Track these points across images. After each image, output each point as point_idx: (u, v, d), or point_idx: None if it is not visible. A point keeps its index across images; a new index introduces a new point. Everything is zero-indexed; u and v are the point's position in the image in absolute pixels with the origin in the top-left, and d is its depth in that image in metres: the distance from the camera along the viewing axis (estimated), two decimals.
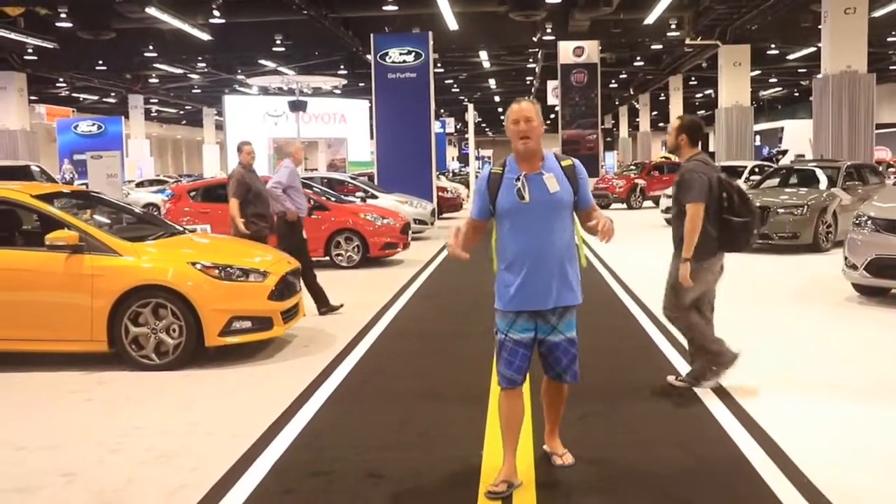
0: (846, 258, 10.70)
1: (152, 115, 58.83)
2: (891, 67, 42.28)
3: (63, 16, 24.38)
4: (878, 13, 23.89)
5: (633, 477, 5.04)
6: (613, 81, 48.92)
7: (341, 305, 10.55)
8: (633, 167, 37.73)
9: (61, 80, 39.24)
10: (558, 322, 4.75)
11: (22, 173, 22.55)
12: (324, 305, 10.43)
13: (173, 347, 7.88)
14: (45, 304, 7.92)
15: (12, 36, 26.37)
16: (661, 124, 62.15)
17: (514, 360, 4.68)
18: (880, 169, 19.32)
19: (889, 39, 32.84)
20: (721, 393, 6.65)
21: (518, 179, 4.62)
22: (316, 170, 37.49)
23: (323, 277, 10.81)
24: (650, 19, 26.27)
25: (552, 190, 4.63)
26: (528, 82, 47.72)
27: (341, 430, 6.12)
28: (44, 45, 28.53)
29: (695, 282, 6.52)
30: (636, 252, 15.94)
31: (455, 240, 4.70)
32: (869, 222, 10.43)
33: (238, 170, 10.48)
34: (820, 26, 21.37)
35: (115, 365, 7.88)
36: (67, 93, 45.20)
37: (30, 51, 29.89)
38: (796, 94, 55.94)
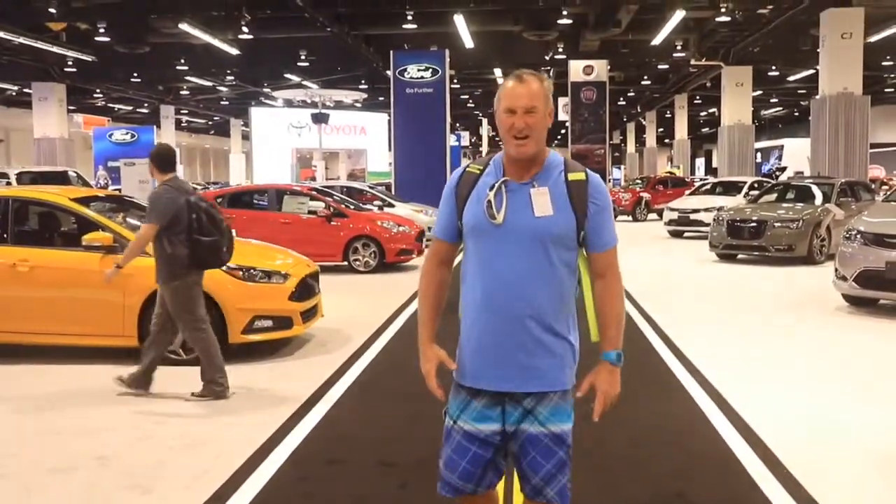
0: (837, 270, 10.74)
1: (182, 125, 58.99)
2: (885, 90, 42.14)
3: (102, 31, 24.62)
4: (874, 38, 23.83)
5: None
6: (621, 99, 48.84)
7: None
8: (639, 181, 37.75)
9: (98, 91, 39.51)
10: (535, 405, 2.87)
11: (60, 178, 22.82)
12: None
13: None
14: (81, 301, 8.02)
15: (55, 49, 26.58)
16: (666, 140, 61.97)
17: (461, 461, 2.91)
18: (872, 186, 19.35)
19: (884, 63, 32.78)
20: (710, 390, 6.75)
21: (493, 187, 2.86)
22: (337, 178, 37.62)
23: (341, 281, 10.88)
24: (657, 40, 26.29)
25: (538, 212, 2.82)
26: None
27: (355, 423, 6.21)
28: (83, 58, 28.70)
29: (186, 300, 6.70)
30: (639, 260, 15.95)
31: (433, 382, 3.00)
32: (858, 236, 10.46)
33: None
34: (818, 50, 21.38)
35: None
36: (104, 103, 45.41)
37: (70, 63, 30.13)
38: (796, 114, 55.71)
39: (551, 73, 36.03)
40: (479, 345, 2.89)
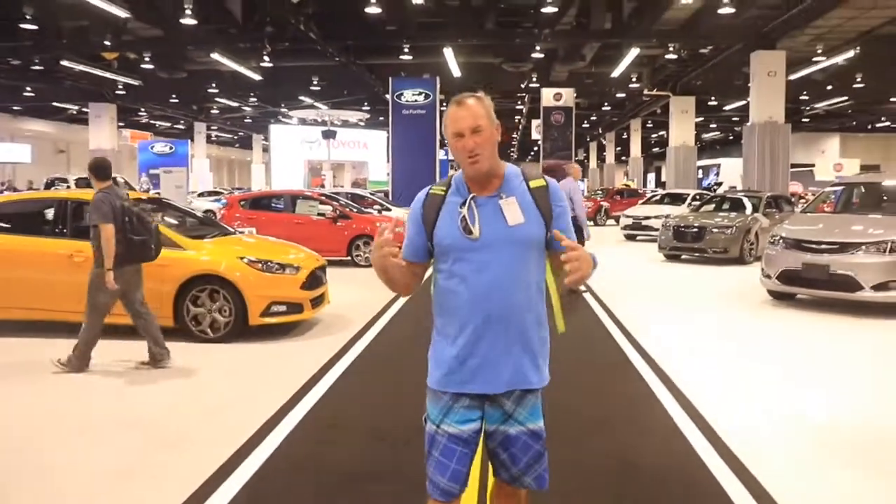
0: (763, 269, 10.81)
1: (212, 139, 58.67)
2: (803, 119, 42.49)
3: (147, 59, 24.69)
4: (793, 76, 24.27)
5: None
6: (585, 122, 48.82)
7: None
8: (599, 192, 37.81)
9: (143, 109, 39.33)
10: (515, 407, 2.65)
11: None
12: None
13: (224, 325, 7.98)
14: None
15: (108, 75, 26.74)
16: (623, 158, 61.98)
17: (450, 463, 2.61)
18: (792, 199, 19.51)
19: (801, 98, 33.10)
20: (657, 369, 6.78)
21: (464, 204, 2.61)
22: (342, 186, 37.56)
23: (345, 274, 10.87)
24: (616, 73, 26.33)
25: (511, 221, 2.58)
26: (516, 120, 47.75)
27: (356, 394, 6.21)
28: (131, 82, 28.76)
29: (124, 287, 6.76)
30: (599, 259, 15.96)
31: (380, 240, 2.55)
32: (781, 241, 10.51)
33: None
34: (749, 84, 21.51)
35: (178, 337, 7.94)
36: (147, 120, 45.22)
37: (120, 87, 30.14)
38: (731, 138, 55.81)
39: (526, 99, 36.11)
40: (467, 352, 2.58)
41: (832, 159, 47.72)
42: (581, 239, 10.94)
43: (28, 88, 31.91)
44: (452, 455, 2.60)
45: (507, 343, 2.58)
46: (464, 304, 2.59)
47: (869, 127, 50.20)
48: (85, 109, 33.52)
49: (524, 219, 2.59)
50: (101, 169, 6.90)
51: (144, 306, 7.03)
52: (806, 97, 33.35)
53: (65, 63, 23.98)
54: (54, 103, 36.20)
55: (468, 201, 2.60)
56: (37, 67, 26.79)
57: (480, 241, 2.56)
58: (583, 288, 11.58)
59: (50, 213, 8.69)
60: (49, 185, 22.85)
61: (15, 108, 39.09)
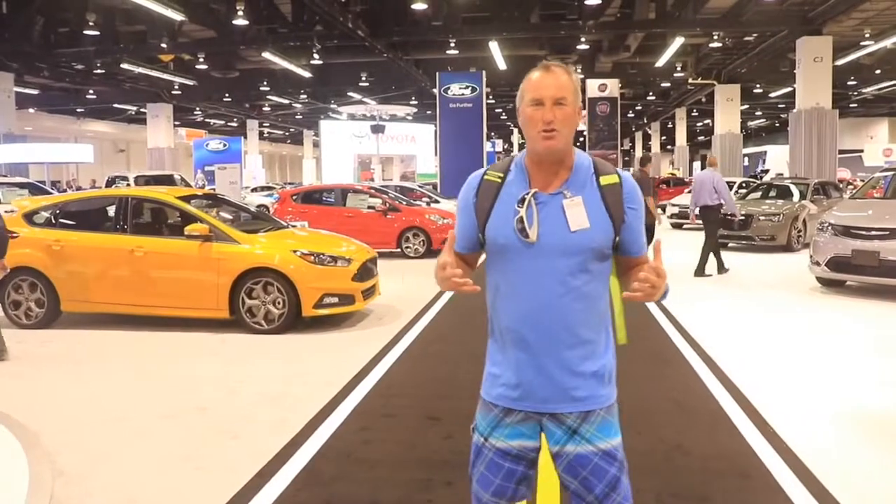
0: (811, 256, 10.57)
1: (264, 135, 59.34)
2: (850, 105, 41.35)
3: (201, 60, 25.10)
4: (840, 62, 23.71)
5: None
6: (630, 112, 48.28)
7: None
8: None
9: (197, 109, 40.02)
10: (580, 423, 2.21)
11: (167, 180, 23.16)
12: None
13: (278, 316, 8.06)
14: (183, 280, 8.17)
15: (164, 76, 27.27)
16: (669, 147, 61.19)
17: (495, 479, 2.24)
18: (840, 186, 19.06)
19: (849, 83, 32.26)
20: (704, 356, 6.69)
21: (523, 201, 2.16)
22: (391, 180, 37.69)
23: (395, 265, 10.91)
24: (660, 63, 26.00)
25: (574, 226, 2.14)
26: None
27: (407, 383, 6.23)
28: (186, 82, 29.28)
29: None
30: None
31: (444, 272, 2.15)
32: (829, 228, 10.28)
33: None
34: (795, 71, 21.04)
35: (233, 328, 8.10)
36: (202, 119, 45.98)
37: (176, 87, 30.70)
38: (777, 125, 54.64)
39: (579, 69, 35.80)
40: (517, 366, 2.21)
41: (881, 144, 46.47)
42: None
43: (90, 91, 32.69)
44: (499, 470, 2.24)
45: (565, 359, 2.18)
46: (514, 312, 2.21)
47: None
48: (143, 110, 34.26)
49: (589, 223, 2.14)
50: None
51: None
52: (854, 82, 32.48)
53: (124, 66, 24.52)
54: (114, 105, 37.02)
55: (528, 198, 2.17)
56: (98, 71, 27.42)
57: (536, 246, 2.15)
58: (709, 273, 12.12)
59: (111, 210, 8.88)
60: (110, 183, 23.36)
61: (79, 110, 40.06)
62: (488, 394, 2.30)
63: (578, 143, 39.44)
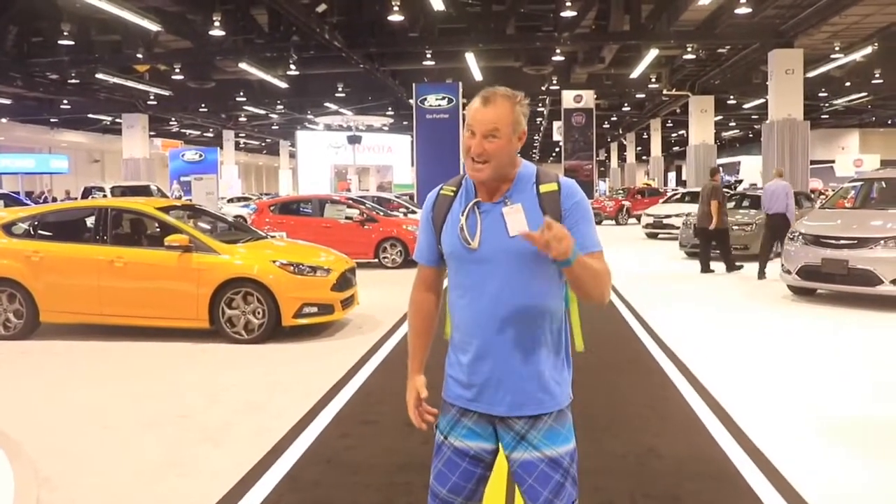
0: (783, 265, 10.80)
1: (240, 146, 59.05)
2: (821, 116, 42.01)
3: (177, 71, 25.01)
4: (811, 74, 24.16)
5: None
6: (606, 123, 48.63)
7: None
8: (620, 191, 37.72)
9: (173, 119, 39.84)
10: (528, 430, 2.28)
11: (144, 191, 23.10)
12: None
13: (258, 326, 8.10)
14: (163, 291, 8.18)
15: (140, 87, 27.23)
16: (644, 157, 61.67)
17: (451, 476, 2.36)
18: (812, 196, 19.39)
19: (820, 94, 32.83)
20: (678, 362, 6.84)
21: (464, 212, 2.31)
22: (368, 190, 37.74)
23: (372, 276, 10.95)
24: (635, 74, 26.25)
25: (513, 232, 2.21)
26: (538, 122, 47.71)
27: (387, 390, 6.30)
28: (162, 92, 29.19)
29: None
30: (622, 257, 16.00)
31: (416, 412, 2.55)
32: (800, 237, 10.50)
33: None
34: (767, 83, 21.39)
35: (213, 338, 8.14)
36: (177, 129, 45.78)
37: (151, 97, 30.54)
38: (750, 136, 55.38)
39: (547, 101, 36.03)
40: (469, 369, 2.31)
41: (852, 155, 47.27)
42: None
43: (65, 101, 32.46)
44: (455, 468, 2.34)
45: (507, 364, 2.25)
46: (468, 318, 2.30)
47: (889, 122, 49.56)
48: (118, 120, 34.03)
49: (528, 228, 2.16)
50: None
51: None
52: (825, 94, 33.05)
53: (99, 76, 24.38)
54: (89, 115, 36.77)
55: (468, 208, 2.30)
56: (73, 81, 27.25)
57: (480, 253, 2.25)
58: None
59: (91, 221, 8.89)
60: (86, 194, 23.24)
61: (52, 120, 39.73)
62: (447, 394, 2.42)
63: (554, 154, 39.87)
